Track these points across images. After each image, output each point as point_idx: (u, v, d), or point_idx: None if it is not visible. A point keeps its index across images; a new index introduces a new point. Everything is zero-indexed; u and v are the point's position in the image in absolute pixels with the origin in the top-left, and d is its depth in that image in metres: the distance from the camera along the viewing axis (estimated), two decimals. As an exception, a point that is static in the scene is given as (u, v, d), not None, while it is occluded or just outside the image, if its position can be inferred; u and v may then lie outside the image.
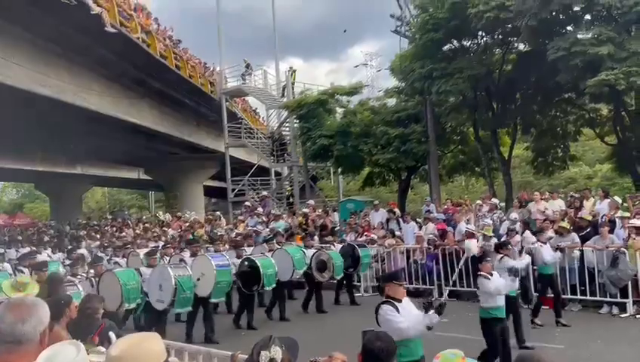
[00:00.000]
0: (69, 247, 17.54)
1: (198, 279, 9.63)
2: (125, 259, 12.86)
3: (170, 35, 26.39)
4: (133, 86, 24.72)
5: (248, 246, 12.78)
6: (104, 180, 49.18)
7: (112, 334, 4.17)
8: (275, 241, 13.19)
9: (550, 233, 11.33)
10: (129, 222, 26.98)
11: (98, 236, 21.37)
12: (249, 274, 10.55)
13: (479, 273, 7.20)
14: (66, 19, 17.47)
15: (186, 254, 11.91)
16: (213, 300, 10.23)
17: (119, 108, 23.87)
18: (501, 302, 7.09)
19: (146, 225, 23.36)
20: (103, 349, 3.28)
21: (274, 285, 10.86)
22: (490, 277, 7.08)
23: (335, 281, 12.71)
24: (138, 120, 25.50)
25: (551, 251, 10.09)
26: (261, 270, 10.43)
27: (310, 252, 12.15)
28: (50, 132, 26.39)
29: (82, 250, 16.11)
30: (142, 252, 12.51)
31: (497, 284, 7.05)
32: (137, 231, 21.19)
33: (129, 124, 25.25)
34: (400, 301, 5.09)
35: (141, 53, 21.81)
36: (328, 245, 13.01)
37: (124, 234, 21.05)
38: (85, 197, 54.47)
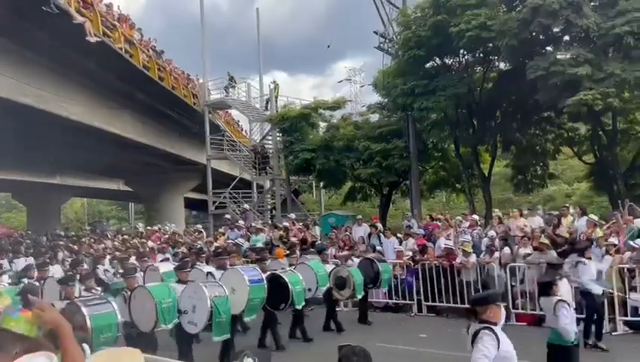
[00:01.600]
0: (71, 260, 15.67)
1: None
2: (142, 274, 11.34)
3: (153, 46, 26.32)
4: (116, 97, 24.51)
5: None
6: (84, 191, 48.53)
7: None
8: (293, 256, 12.04)
9: (528, 249, 11.47)
10: (108, 233, 26.64)
11: (76, 247, 20.95)
12: (276, 291, 9.53)
13: (548, 295, 6.18)
14: (48, 28, 17.31)
15: (204, 266, 10.91)
16: (246, 319, 9.41)
17: (101, 119, 23.64)
18: (575, 326, 6.12)
19: (125, 236, 23.07)
20: None
21: (304, 303, 9.89)
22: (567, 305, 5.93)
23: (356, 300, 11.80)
24: (120, 130, 25.29)
25: (593, 270, 9.43)
26: (290, 286, 9.48)
27: (328, 268, 11.20)
28: (29, 141, 26.04)
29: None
30: (161, 266, 11.63)
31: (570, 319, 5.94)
32: (116, 243, 20.89)
33: (111, 135, 25.00)
34: (496, 324, 4.55)
35: (124, 63, 21.65)
36: (346, 260, 12.17)
37: (103, 245, 20.71)
38: (64, 207, 53.69)
